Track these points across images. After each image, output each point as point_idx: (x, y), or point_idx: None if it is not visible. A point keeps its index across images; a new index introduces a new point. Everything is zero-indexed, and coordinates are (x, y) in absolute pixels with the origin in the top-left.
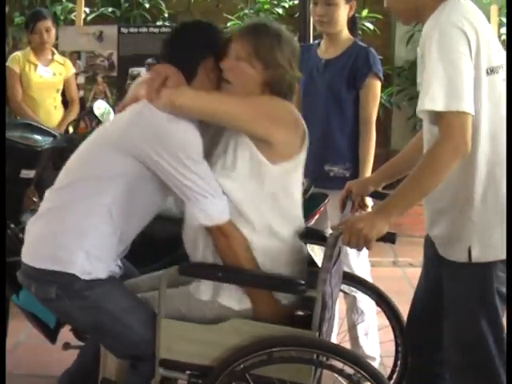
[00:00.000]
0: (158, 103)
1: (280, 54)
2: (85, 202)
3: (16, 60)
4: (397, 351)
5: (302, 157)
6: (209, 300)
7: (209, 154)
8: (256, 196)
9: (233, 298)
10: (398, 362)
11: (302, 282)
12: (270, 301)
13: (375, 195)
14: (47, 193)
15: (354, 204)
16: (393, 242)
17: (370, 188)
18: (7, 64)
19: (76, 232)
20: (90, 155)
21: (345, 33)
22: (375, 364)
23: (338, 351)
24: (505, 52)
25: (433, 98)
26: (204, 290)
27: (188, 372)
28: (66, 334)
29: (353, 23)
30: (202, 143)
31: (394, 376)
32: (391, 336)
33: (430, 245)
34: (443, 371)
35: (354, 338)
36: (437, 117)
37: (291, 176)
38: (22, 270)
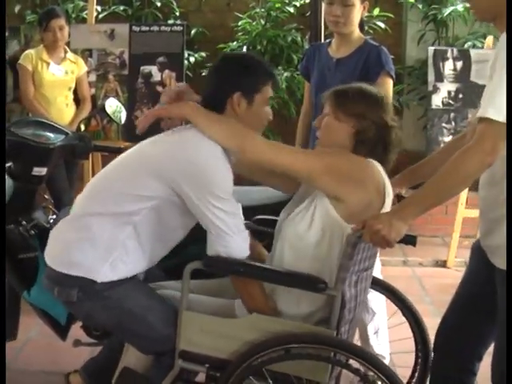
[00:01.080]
0: (227, 144)
1: (366, 107)
2: (115, 217)
3: (29, 58)
4: (416, 348)
5: None
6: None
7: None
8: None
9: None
10: (419, 360)
11: (323, 280)
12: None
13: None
14: (78, 198)
15: None
16: (413, 244)
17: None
18: (20, 62)
19: (103, 244)
20: (126, 171)
21: (356, 32)
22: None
23: (355, 351)
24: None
25: (500, 108)
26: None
27: (206, 365)
28: (76, 330)
29: (361, 22)
30: (232, 179)
31: (416, 375)
32: (403, 334)
33: (478, 254)
34: (471, 381)
35: (364, 337)
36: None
37: None
38: (46, 271)
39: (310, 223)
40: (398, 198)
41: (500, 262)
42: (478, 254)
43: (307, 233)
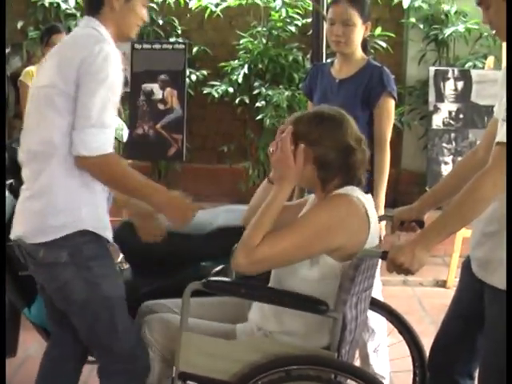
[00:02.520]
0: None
1: (320, 132)
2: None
3: (29, 75)
4: (414, 366)
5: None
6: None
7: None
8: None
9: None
10: (417, 379)
11: (324, 302)
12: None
13: (416, 222)
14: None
15: (393, 227)
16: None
17: (411, 215)
18: (20, 78)
19: (70, 195)
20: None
21: (359, 52)
22: (385, 382)
23: (356, 372)
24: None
25: None
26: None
27: None
28: None
29: (364, 43)
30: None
31: None
32: (402, 353)
33: (468, 269)
34: None
35: (364, 356)
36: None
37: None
38: (25, 248)
39: (310, 268)
40: (421, 223)
41: (482, 275)
42: (469, 270)
43: (305, 272)
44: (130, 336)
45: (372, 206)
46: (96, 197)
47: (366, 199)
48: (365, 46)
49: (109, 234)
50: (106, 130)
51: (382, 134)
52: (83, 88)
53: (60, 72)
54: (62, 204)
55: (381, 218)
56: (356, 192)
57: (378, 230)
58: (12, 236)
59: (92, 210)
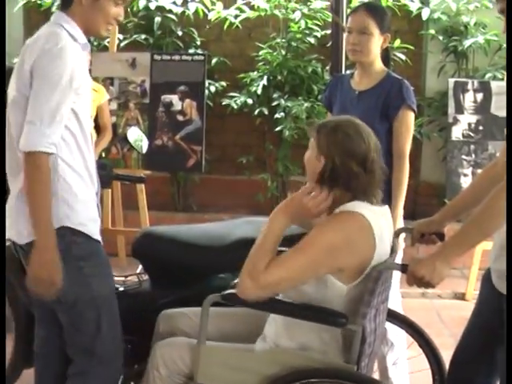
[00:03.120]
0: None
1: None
2: None
3: None
4: (434, 380)
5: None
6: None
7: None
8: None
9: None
10: None
11: (344, 315)
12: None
13: (437, 235)
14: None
15: (413, 240)
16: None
17: (432, 228)
18: None
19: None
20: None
21: (378, 64)
22: None
23: None
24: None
25: None
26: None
27: None
28: None
29: (386, 55)
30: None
31: None
32: (421, 366)
33: (489, 282)
34: None
35: (383, 369)
36: None
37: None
38: (20, 248)
39: (316, 290)
40: (441, 236)
41: (501, 286)
42: (489, 283)
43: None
44: (114, 338)
45: (381, 220)
46: (79, 191)
47: (374, 214)
48: (386, 57)
49: (96, 231)
50: (46, 128)
51: (401, 147)
52: (33, 88)
53: (20, 77)
54: None
55: (400, 231)
56: (362, 208)
57: (387, 245)
58: (7, 237)
59: (75, 205)
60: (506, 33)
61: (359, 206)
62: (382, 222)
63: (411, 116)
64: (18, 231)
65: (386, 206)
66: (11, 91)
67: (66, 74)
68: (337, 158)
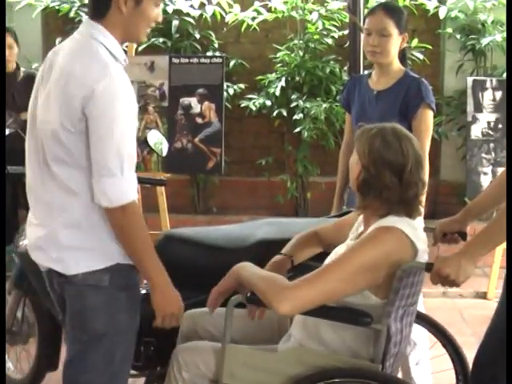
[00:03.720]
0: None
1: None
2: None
3: None
4: (457, 379)
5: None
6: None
7: None
8: None
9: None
10: None
11: (369, 314)
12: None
13: (459, 234)
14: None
15: (435, 239)
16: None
17: (454, 227)
18: None
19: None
20: None
21: (396, 63)
22: None
23: None
24: None
25: None
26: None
27: None
28: None
29: (403, 54)
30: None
31: None
32: (445, 366)
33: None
34: None
35: (406, 369)
36: None
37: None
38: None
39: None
40: (463, 235)
41: None
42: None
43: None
44: (121, 376)
45: (420, 234)
46: None
47: (414, 229)
48: (403, 56)
49: None
50: (126, 175)
51: (421, 146)
52: (93, 133)
53: (64, 110)
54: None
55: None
56: (400, 223)
57: (426, 257)
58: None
59: None
60: (506, 33)
61: (398, 221)
62: (421, 235)
63: (430, 115)
64: (64, 263)
65: (419, 219)
66: (51, 122)
67: (128, 106)
68: (372, 166)
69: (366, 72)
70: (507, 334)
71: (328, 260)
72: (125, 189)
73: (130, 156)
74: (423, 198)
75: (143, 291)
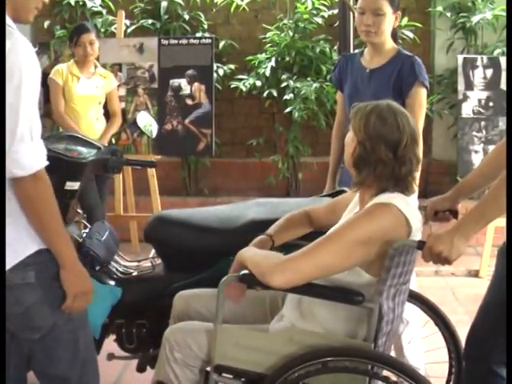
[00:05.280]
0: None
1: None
2: None
3: (59, 73)
4: (450, 357)
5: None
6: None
7: None
8: None
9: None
10: (453, 370)
11: (360, 293)
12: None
13: (450, 212)
14: None
15: (426, 218)
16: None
17: (445, 205)
18: (51, 76)
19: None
20: None
21: (389, 42)
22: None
23: (393, 363)
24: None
25: None
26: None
27: (242, 379)
28: (109, 344)
29: (394, 33)
30: None
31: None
32: (437, 344)
33: (503, 258)
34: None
35: (398, 348)
36: None
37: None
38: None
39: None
40: (454, 213)
41: None
42: (503, 258)
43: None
44: (91, 360)
45: (415, 212)
46: None
47: (409, 206)
48: (393, 35)
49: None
50: (36, 141)
51: (415, 124)
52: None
53: None
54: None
55: None
56: (396, 199)
57: (419, 236)
58: None
59: None
60: (506, 33)
61: (394, 198)
62: (416, 213)
63: (424, 92)
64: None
65: (414, 197)
66: None
67: (30, 71)
68: (367, 141)
69: (358, 50)
70: (507, 333)
71: None
72: (36, 155)
73: (38, 122)
74: (417, 176)
75: (134, 273)
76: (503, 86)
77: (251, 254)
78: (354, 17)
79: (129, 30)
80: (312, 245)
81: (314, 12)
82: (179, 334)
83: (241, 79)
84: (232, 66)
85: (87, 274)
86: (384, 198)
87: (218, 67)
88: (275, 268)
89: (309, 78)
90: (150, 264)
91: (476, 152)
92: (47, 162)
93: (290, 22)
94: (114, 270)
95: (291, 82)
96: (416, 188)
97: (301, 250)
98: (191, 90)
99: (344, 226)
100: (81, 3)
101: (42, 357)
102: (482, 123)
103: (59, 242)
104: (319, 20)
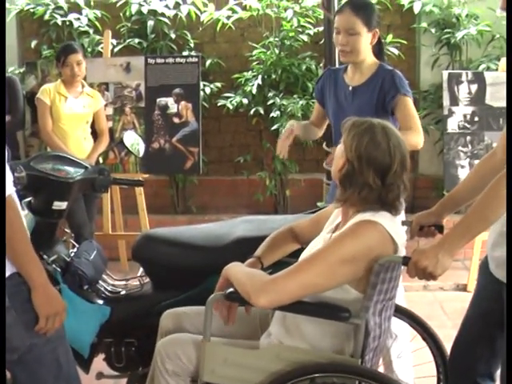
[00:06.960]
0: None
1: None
2: None
3: (46, 92)
4: (438, 372)
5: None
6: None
7: None
8: None
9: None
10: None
11: (347, 309)
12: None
13: (436, 227)
14: None
15: (412, 233)
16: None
17: (430, 220)
18: (38, 96)
19: None
20: None
21: (369, 59)
22: None
23: (380, 379)
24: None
25: None
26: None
27: None
28: (99, 363)
29: (379, 48)
30: None
31: None
32: (425, 358)
33: (486, 270)
34: None
35: (387, 362)
36: None
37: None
38: None
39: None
40: (440, 228)
41: (501, 274)
42: (486, 270)
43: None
44: (74, 374)
45: (399, 229)
46: None
47: (393, 222)
48: (379, 50)
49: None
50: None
51: (413, 126)
52: None
53: None
54: None
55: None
56: (381, 217)
57: (404, 251)
58: None
59: None
60: (506, 32)
61: (379, 216)
62: (400, 229)
63: (410, 102)
64: None
65: (399, 216)
66: None
67: None
68: (356, 162)
69: (342, 66)
70: (507, 333)
71: (304, 254)
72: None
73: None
74: (402, 198)
75: (122, 292)
76: (488, 100)
77: (236, 271)
78: None
79: (115, 50)
80: (297, 264)
81: (300, 30)
82: (169, 345)
83: (227, 97)
84: (219, 84)
85: (58, 295)
86: (368, 215)
87: (204, 85)
88: (260, 288)
89: (295, 96)
90: (138, 282)
91: (462, 167)
92: (14, 188)
93: (276, 39)
94: (102, 289)
95: (278, 100)
96: (403, 205)
97: (285, 270)
98: (178, 109)
99: (328, 245)
100: (67, 23)
101: (25, 377)
102: (468, 138)
103: (29, 266)
104: (305, 37)
